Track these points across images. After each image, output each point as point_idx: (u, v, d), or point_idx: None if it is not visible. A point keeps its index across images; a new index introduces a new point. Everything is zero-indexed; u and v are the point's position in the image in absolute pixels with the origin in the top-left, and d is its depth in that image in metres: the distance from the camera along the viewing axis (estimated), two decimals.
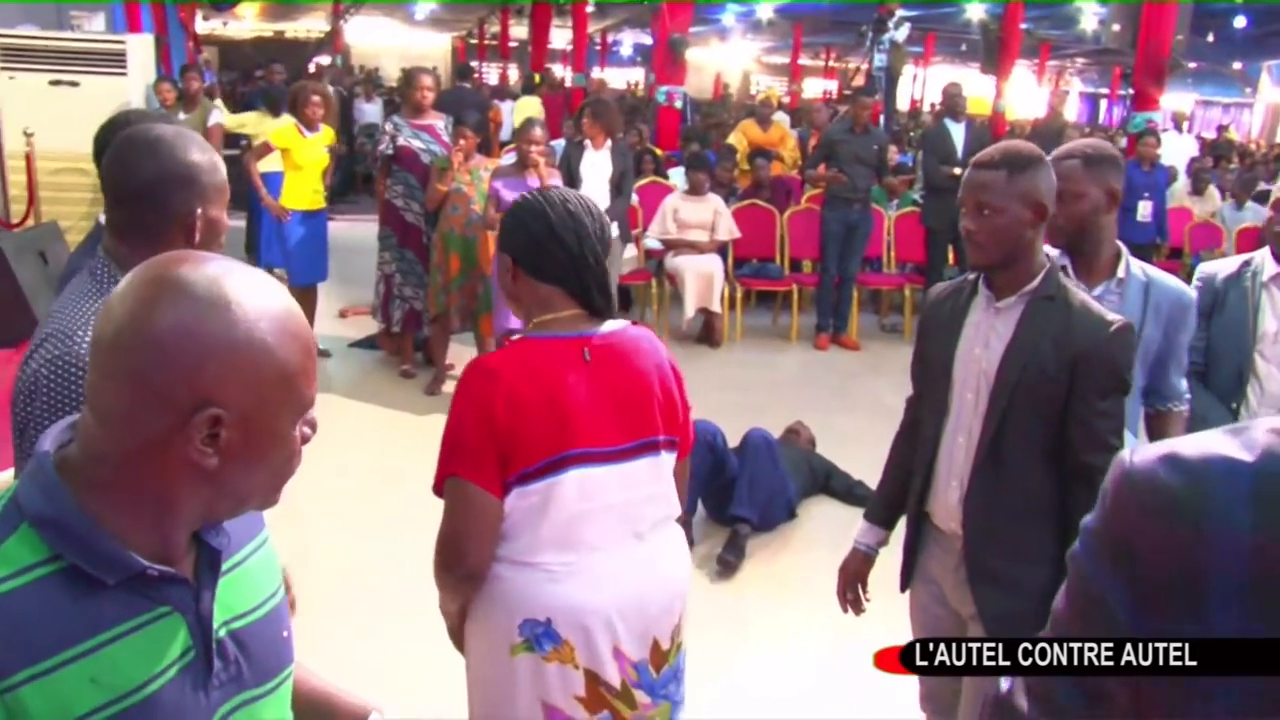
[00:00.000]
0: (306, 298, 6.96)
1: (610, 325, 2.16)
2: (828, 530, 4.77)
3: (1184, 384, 2.79)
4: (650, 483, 2.18)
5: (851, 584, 2.74)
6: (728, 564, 4.49)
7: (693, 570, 4.54)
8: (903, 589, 2.63)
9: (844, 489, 5.28)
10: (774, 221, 8.55)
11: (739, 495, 4.68)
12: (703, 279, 7.74)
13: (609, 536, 2.14)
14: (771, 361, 7.84)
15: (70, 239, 6.79)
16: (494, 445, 2.03)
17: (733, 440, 4.94)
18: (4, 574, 1.04)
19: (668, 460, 2.21)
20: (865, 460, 5.33)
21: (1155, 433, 2.78)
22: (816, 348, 8.12)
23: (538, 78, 16.92)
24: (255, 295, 1.10)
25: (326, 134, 6.90)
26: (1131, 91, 12.43)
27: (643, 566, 2.17)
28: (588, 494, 2.09)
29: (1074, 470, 2.26)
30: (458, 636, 2.27)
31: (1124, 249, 2.74)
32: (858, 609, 2.74)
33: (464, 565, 2.08)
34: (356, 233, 9.94)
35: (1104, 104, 33.26)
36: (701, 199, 8.03)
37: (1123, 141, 13.98)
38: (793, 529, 4.99)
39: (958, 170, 7.84)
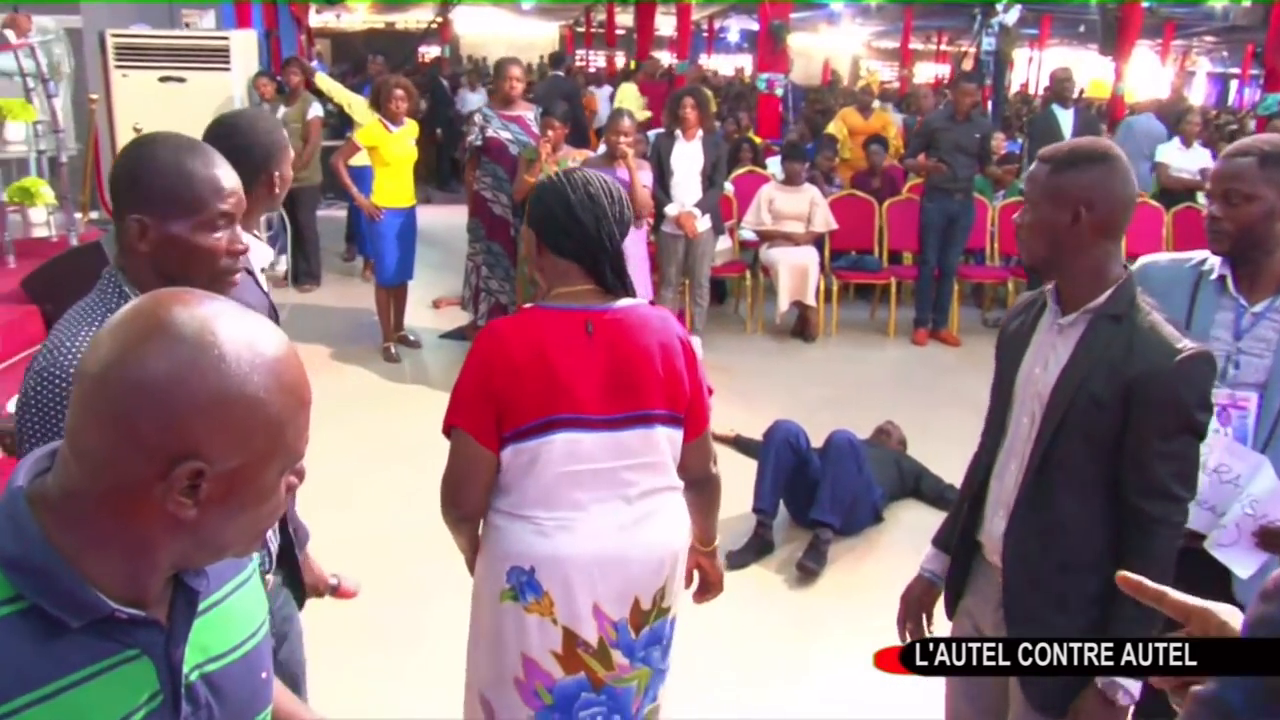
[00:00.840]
0: (396, 294, 7.01)
1: (622, 302, 2.27)
2: (914, 536, 4.60)
3: None
4: (642, 453, 2.28)
5: (914, 613, 2.51)
6: (807, 570, 4.37)
7: (771, 576, 4.52)
8: (949, 617, 2.48)
9: (934, 493, 5.10)
10: (873, 212, 8.33)
11: (821, 498, 4.55)
12: (797, 271, 7.58)
13: (596, 498, 2.26)
14: (867, 357, 7.65)
15: None
16: (491, 403, 2.20)
17: (820, 439, 4.81)
18: None
19: (665, 434, 2.30)
20: (960, 462, 5.08)
21: None
22: (914, 343, 7.89)
23: (633, 64, 16.84)
24: (249, 343, 1.04)
25: (411, 128, 6.92)
26: (1264, 71, 11.83)
27: (627, 528, 2.28)
28: (575, 456, 2.22)
29: (1127, 515, 2.07)
30: (474, 565, 2.44)
31: None
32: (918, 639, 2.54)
33: (459, 508, 2.30)
34: (456, 221, 10.01)
35: (1234, 85, 31.81)
36: (797, 189, 7.86)
37: (1252, 125, 13.36)
38: (878, 533, 4.84)
39: None
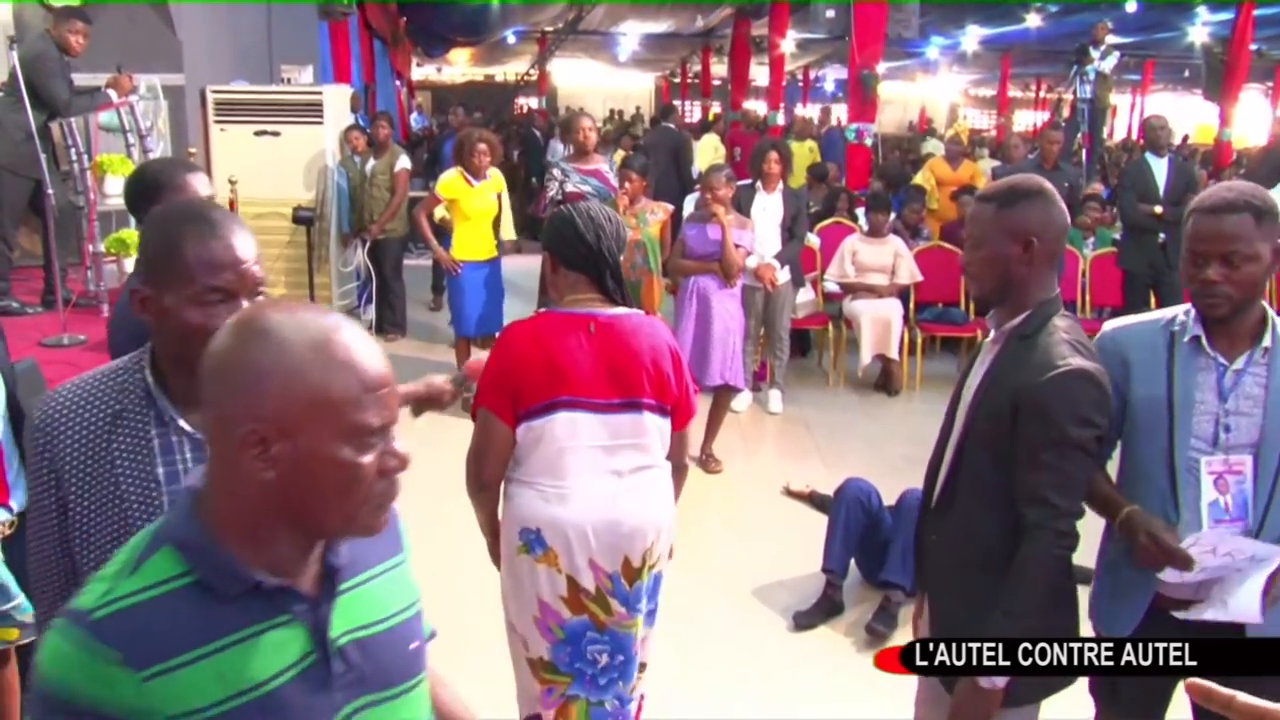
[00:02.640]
0: (482, 345, 7.05)
1: (621, 310, 2.77)
2: None
3: None
4: (632, 434, 2.76)
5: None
6: (877, 633, 4.24)
7: (839, 639, 4.40)
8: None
9: None
10: (958, 265, 8.16)
11: (892, 559, 4.42)
12: (879, 324, 7.46)
13: (591, 470, 2.72)
14: None
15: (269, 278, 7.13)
16: (508, 388, 2.69)
17: (896, 498, 4.69)
18: (144, 585, 1.24)
19: (653, 420, 2.78)
20: None
21: None
22: None
23: (711, 116, 16.88)
24: (298, 324, 1.24)
25: (495, 181, 6.98)
26: None
27: (617, 496, 2.74)
28: (575, 433, 2.70)
29: (1018, 521, 2.23)
30: (493, 553, 2.95)
31: (1269, 310, 2.31)
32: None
33: (480, 476, 2.78)
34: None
35: None
36: (882, 241, 7.76)
37: None
38: None
39: (1158, 209, 7.31)
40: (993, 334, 2.40)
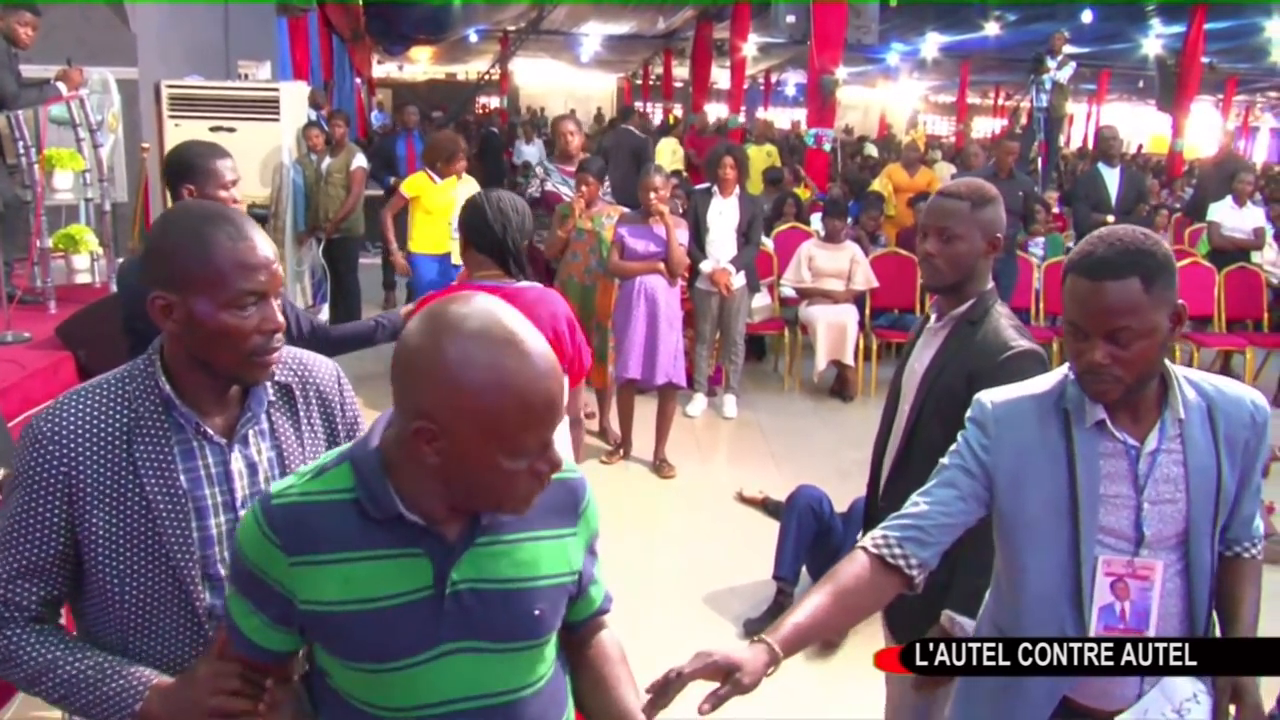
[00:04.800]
0: None
1: (523, 283, 3.22)
2: None
3: (1258, 521, 2.05)
4: None
5: None
6: (828, 641, 4.25)
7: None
8: None
9: None
10: (913, 270, 8.22)
11: None
12: (835, 329, 7.50)
13: None
14: None
15: None
16: None
17: (850, 504, 4.71)
18: (318, 489, 1.47)
19: None
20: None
21: (1227, 584, 2.01)
22: None
23: (671, 119, 16.90)
24: (488, 343, 1.36)
25: (466, 182, 6.97)
26: None
27: None
28: None
29: None
30: None
31: (1171, 369, 1.93)
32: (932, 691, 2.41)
33: None
34: None
35: None
36: (838, 246, 7.80)
37: None
38: None
39: (1110, 218, 7.41)
40: (935, 319, 2.64)
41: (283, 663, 1.57)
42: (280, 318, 1.71)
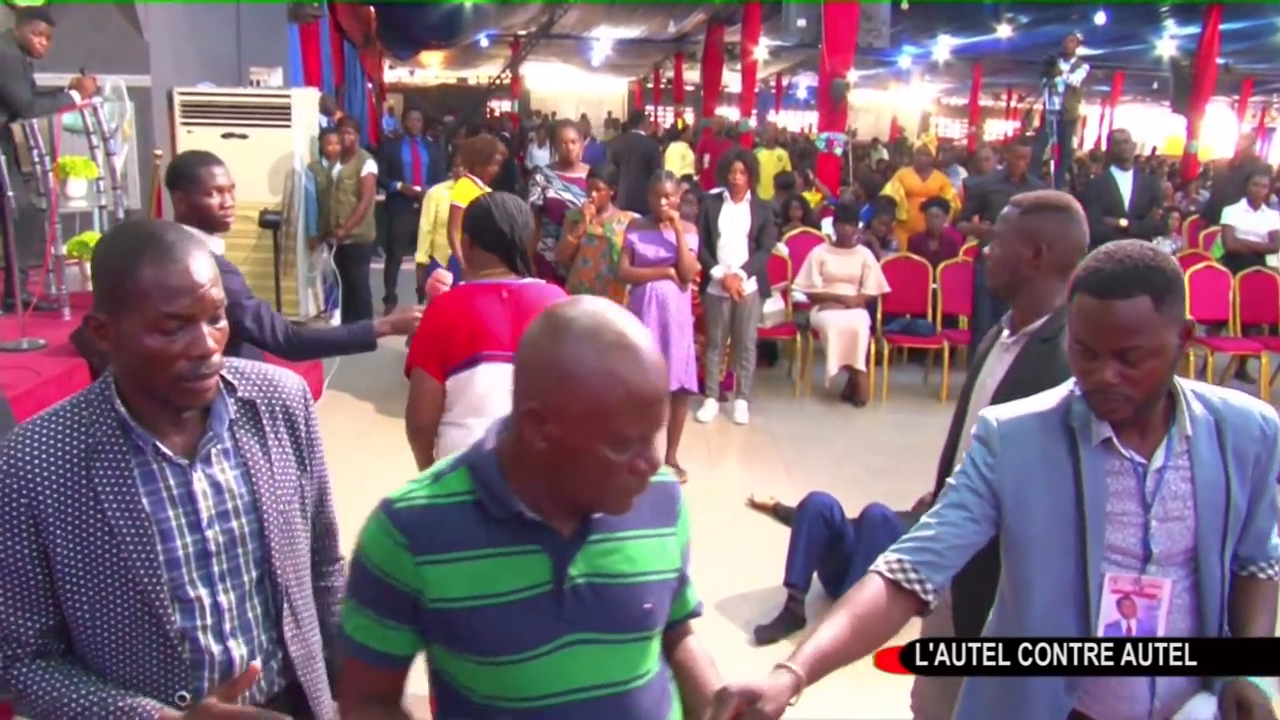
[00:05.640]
0: None
1: (527, 280, 3.29)
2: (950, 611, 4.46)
3: (1275, 539, 1.99)
4: None
5: None
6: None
7: None
8: None
9: None
10: (927, 275, 8.21)
11: (854, 574, 4.41)
12: (846, 334, 7.48)
13: (508, 410, 3.03)
14: (917, 423, 7.47)
15: None
16: (436, 349, 3.20)
17: (860, 510, 4.70)
18: (438, 493, 1.57)
19: None
20: None
21: (1238, 604, 1.96)
22: None
23: (680, 124, 16.90)
24: (599, 337, 1.44)
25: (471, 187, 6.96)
26: None
27: None
28: (494, 381, 3.13)
29: None
30: None
31: (1179, 385, 1.91)
32: None
33: (415, 421, 3.27)
34: None
35: None
36: (850, 251, 7.79)
37: None
38: None
39: (1124, 222, 7.38)
40: (1007, 336, 2.62)
41: (404, 670, 1.64)
42: (209, 343, 1.66)
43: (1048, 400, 1.99)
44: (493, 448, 1.58)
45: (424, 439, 3.32)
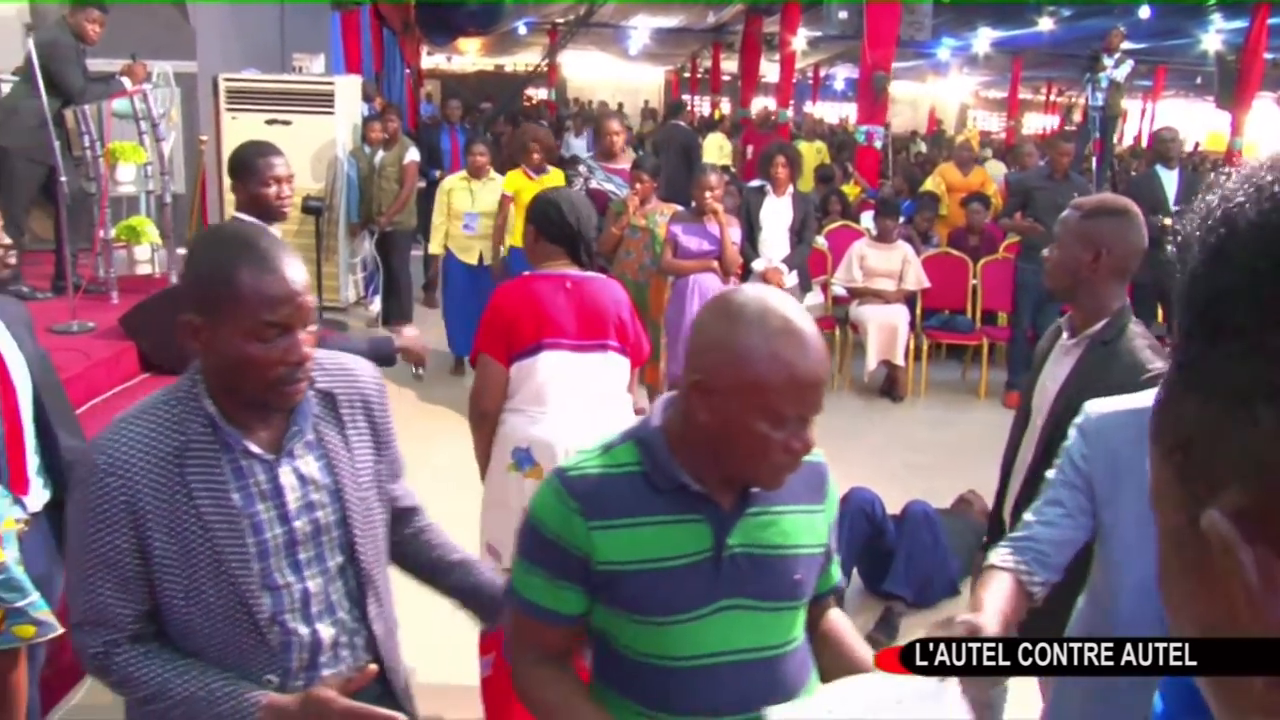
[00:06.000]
0: None
1: (589, 273, 3.46)
2: None
3: None
4: (601, 369, 3.39)
5: None
6: (877, 642, 4.24)
7: None
8: None
9: None
10: (967, 271, 8.17)
11: (895, 570, 4.44)
12: (886, 330, 7.47)
13: (569, 398, 3.30)
14: (955, 419, 7.47)
15: None
16: (502, 335, 3.28)
17: (903, 503, 4.71)
18: (608, 464, 1.68)
19: (617, 359, 3.43)
20: None
21: None
22: (1006, 405, 7.64)
23: (717, 115, 16.82)
24: (765, 321, 1.55)
25: (555, 175, 7.00)
26: None
27: (588, 420, 3.25)
28: (556, 369, 3.30)
29: None
30: (484, 475, 3.53)
31: None
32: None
33: (481, 406, 3.38)
34: None
35: None
36: (890, 246, 7.76)
37: None
38: (953, 607, 4.68)
39: (1168, 221, 7.31)
40: (1067, 338, 2.67)
41: (574, 628, 1.73)
42: (305, 350, 1.71)
43: (1148, 398, 1.98)
44: (659, 425, 1.69)
45: (488, 425, 3.40)
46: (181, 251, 7.55)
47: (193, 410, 1.72)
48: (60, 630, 1.98)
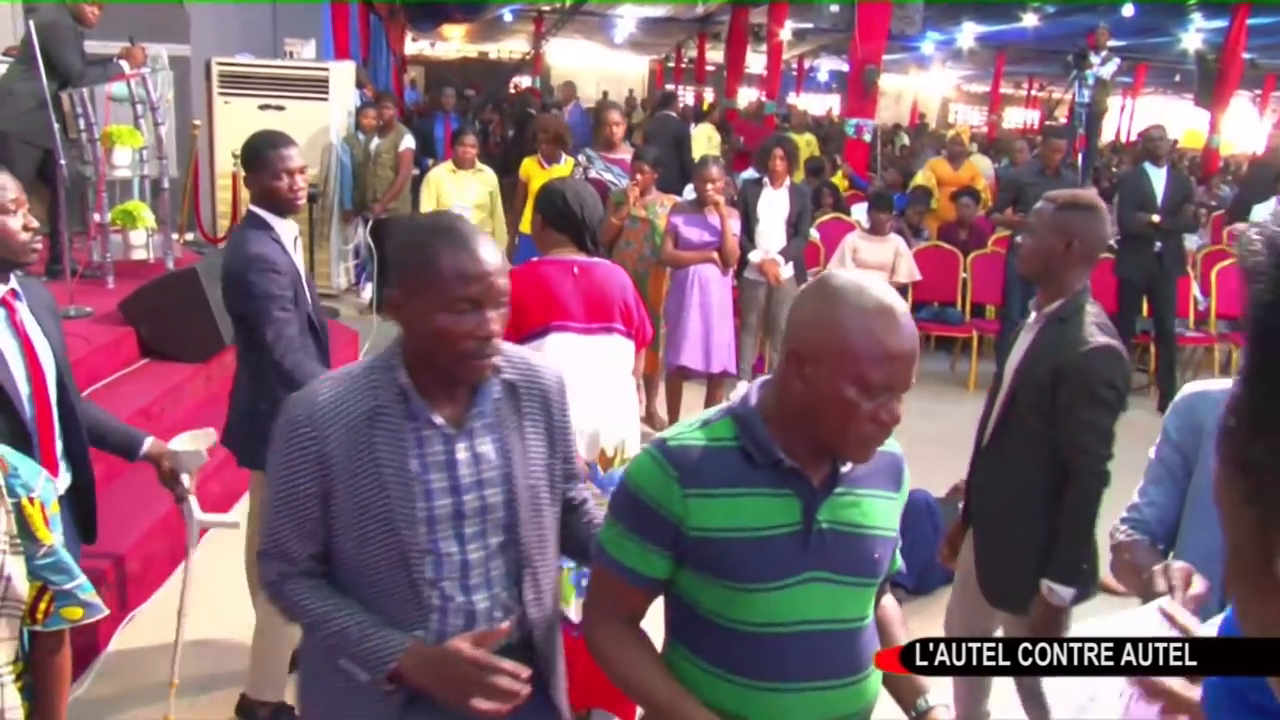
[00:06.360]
0: None
1: (595, 259, 3.59)
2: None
3: None
4: (606, 351, 3.50)
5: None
6: None
7: None
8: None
9: None
10: (957, 264, 8.26)
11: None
12: None
13: (575, 378, 3.32)
14: (946, 411, 7.53)
15: None
16: (512, 317, 3.17)
17: None
18: (706, 437, 1.78)
19: (622, 342, 3.56)
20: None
21: None
22: None
23: (705, 106, 16.81)
24: (858, 295, 1.66)
25: (566, 165, 7.05)
26: None
27: (595, 401, 3.33)
28: (562, 350, 3.36)
29: (1063, 466, 2.77)
30: None
31: None
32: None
33: None
34: None
35: None
36: (883, 239, 7.83)
37: None
38: (949, 591, 4.75)
39: (1156, 218, 7.41)
40: (1033, 316, 2.92)
41: (655, 592, 1.85)
42: (493, 327, 1.84)
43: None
44: (755, 403, 1.79)
45: None
46: (178, 238, 7.55)
47: (387, 380, 1.88)
48: (106, 612, 2.01)
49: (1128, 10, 15.52)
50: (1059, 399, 2.75)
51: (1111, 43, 11.84)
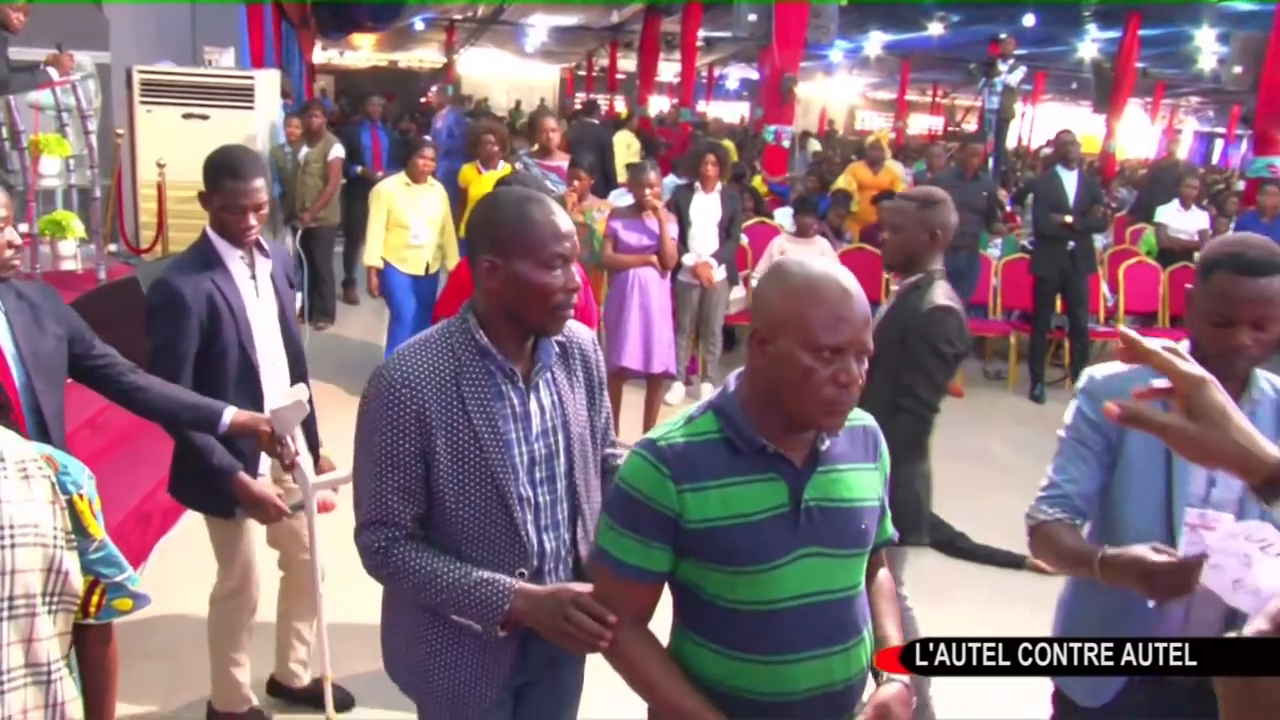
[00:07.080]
0: None
1: None
2: (924, 584, 4.64)
3: None
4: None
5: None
6: None
7: None
8: None
9: (945, 541, 5.20)
10: (879, 265, 8.49)
11: None
12: None
13: None
14: None
15: None
16: (463, 301, 3.23)
17: None
18: (692, 433, 1.87)
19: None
20: (968, 511, 5.24)
21: None
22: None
23: (624, 114, 16.93)
24: (806, 272, 1.79)
25: (504, 170, 7.08)
26: (1251, 134, 12.11)
27: None
28: None
29: (892, 414, 3.07)
30: None
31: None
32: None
33: None
34: None
35: (1219, 144, 32.31)
36: (809, 241, 8.03)
37: (1240, 185, 13.61)
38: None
39: (1069, 219, 7.74)
40: (895, 289, 3.46)
41: (660, 586, 1.94)
42: (577, 279, 2.06)
43: (1133, 370, 2.18)
44: (734, 393, 1.90)
45: None
46: (111, 248, 7.42)
47: (466, 341, 2.07)
48: (152, 601, 2.06)
49: (1028, 20, 16.08)
50: (905, 351, 3.18)
51: (1015, 51, 12.29)
